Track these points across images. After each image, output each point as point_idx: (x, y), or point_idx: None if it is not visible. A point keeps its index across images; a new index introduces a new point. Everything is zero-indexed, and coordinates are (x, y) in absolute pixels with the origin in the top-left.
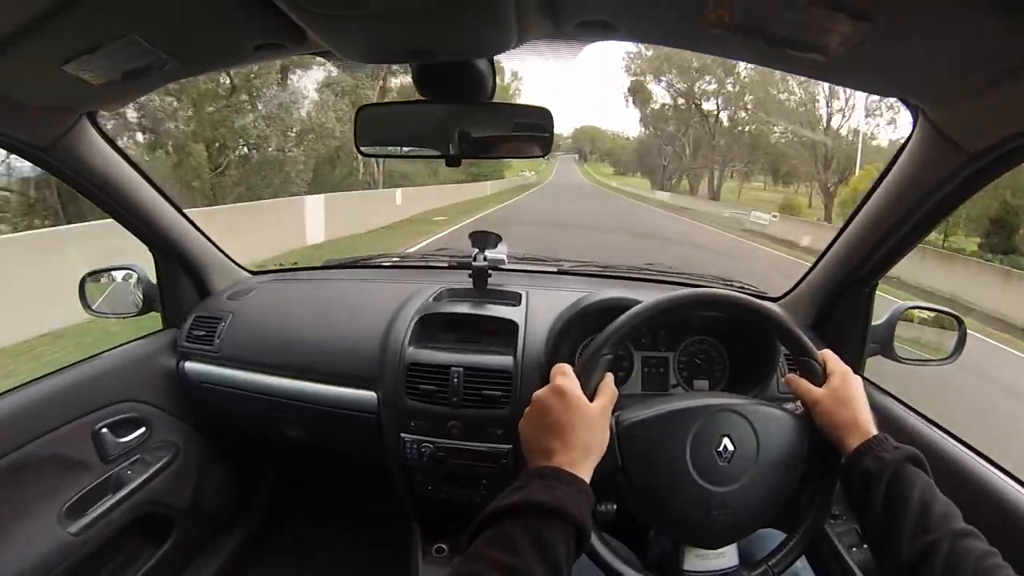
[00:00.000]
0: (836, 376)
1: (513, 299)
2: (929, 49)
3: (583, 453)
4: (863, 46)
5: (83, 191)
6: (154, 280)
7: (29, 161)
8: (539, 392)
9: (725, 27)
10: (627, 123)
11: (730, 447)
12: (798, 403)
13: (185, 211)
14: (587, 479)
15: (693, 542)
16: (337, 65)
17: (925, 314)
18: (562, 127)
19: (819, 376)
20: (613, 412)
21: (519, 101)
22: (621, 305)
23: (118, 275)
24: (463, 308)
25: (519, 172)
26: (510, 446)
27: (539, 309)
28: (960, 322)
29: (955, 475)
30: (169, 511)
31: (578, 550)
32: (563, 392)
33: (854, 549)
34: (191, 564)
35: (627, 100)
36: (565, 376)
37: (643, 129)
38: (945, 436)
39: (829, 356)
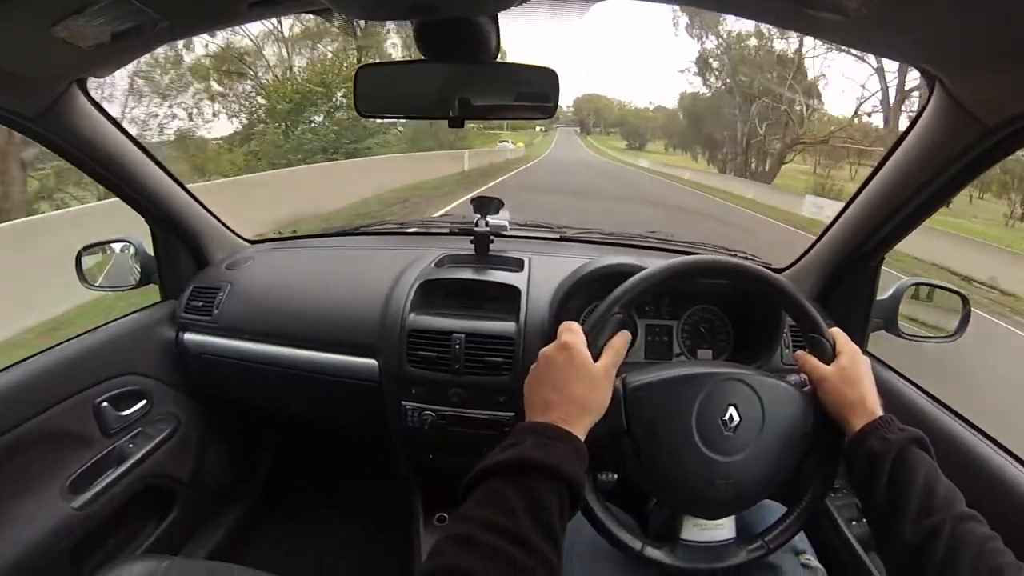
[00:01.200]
0: (845, 355)
1: (515, 265)
2: (950, 14)
3: (580, 410)
4: (881, 7)
5: (76, 162)
6: (151, 252)
7: (19, 132)
8: (546, 348)
9: None
10: (638, 92)
11: (736, 417)
12: (801, 375)
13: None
14: (582, 435)
15: (694, 512)
16: (336, 25)
17: (930, 291)
18: (561, 98)
19: (828, 354)
20: (620, 374)
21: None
22: (626, 271)
23: (115, 248)
24: (465, 274)
25: (498, 142)
26: (512, 414)
27: (542, 275)
28: (965, 300)
29: (958, 454)
30: (171, 484)
31: (572, 510)
32: (568, 348)
33: (853, 523)
34: (194, 536)
35: (691, 70)
36: (572, 333)
37: (699, 95)
38: (949, 415)
39: (839, 334)
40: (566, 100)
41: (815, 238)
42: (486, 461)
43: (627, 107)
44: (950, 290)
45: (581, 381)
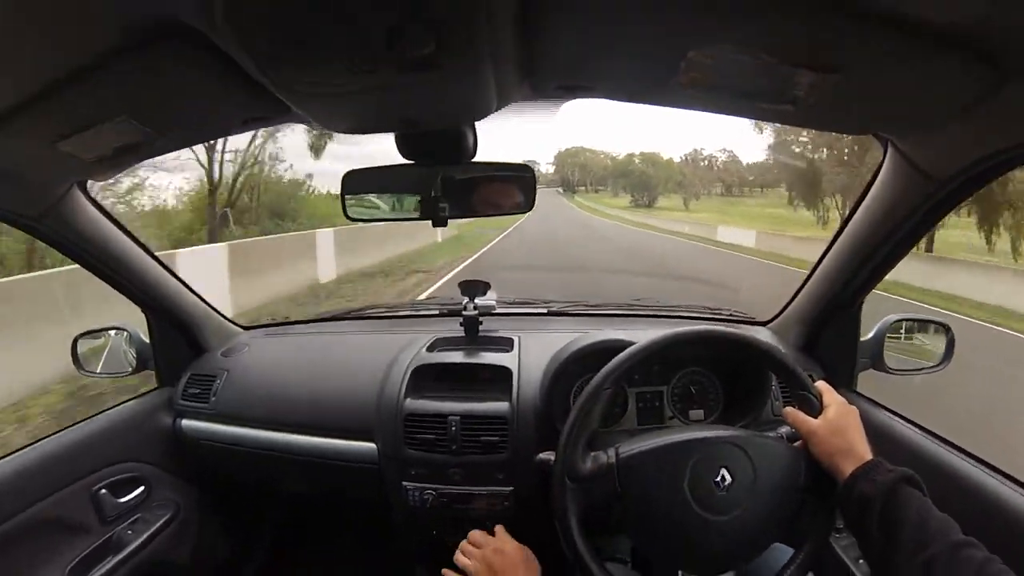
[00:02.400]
0: (832, 408)
1: (505, 345)
2: (894, 88)
3: None
4: (830, 92)
5: (74, 257)
6: (147, 339)
7: (20, 229)
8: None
9: (699, 87)
10: (626, 143)
11: (728, 477)
12: (790, 428)
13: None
14: None
15: (694, 570)
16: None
17: (913, 324)
18: (539, 155)
19: (815, 408)
20: (613, 445)
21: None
22: (612, 347)
23: (110, 335)
24: (456, 357)
25: None
26: (511, 488)
27: (532, 353)
28: (947, 329)
29: (953, 484)
30: (171, 570)
31: None
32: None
33: (861, 561)
34: None
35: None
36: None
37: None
38: (943, 446)
39: (825, 388)
40: (544, 158)
41: (794, 291)
42: None
43: (619, 159)
44: (931, 321)
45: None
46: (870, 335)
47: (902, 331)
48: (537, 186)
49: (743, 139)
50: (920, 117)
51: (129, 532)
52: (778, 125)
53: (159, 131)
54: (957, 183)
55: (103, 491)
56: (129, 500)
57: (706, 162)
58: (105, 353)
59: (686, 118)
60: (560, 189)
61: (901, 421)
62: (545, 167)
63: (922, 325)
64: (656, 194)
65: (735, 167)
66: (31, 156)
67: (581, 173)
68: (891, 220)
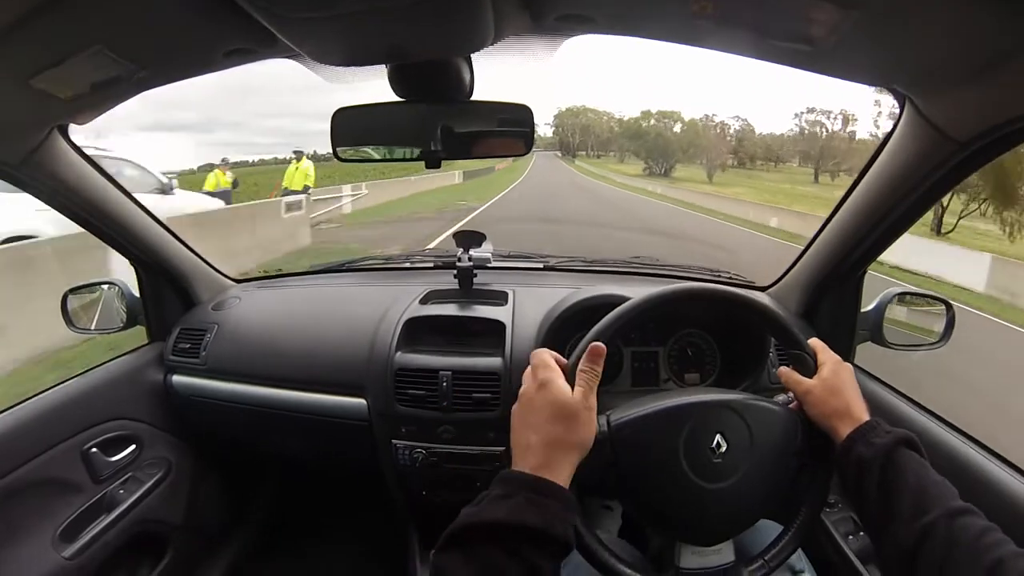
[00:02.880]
0: (827, 366)
1: (500, 298)
2: (917, 36)
3: (564, 451)
4: (850, 34)
5: (59, 207)
6: (137, 293)
7: (1, 179)
8: (524, 387)
9: (708, 18)
10: (626, 104)
11: (724, 444)
12: (789, 394)
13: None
14: (568, 478)
15: (689, 539)
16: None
17: (914, 298)
18: (536, 116)
19: (810, 367)
20: (604, 411)
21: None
22: (609, 302)
23: (101, 290)
24: (449, 310)
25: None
26: (503, 448)
27: (526, 308)
28: (948, 306)
29: (945, 460)
30: (164, 528)
31: (560, 559)
32: (545, 385)
33: (851, 537)
34: None
35: None
36: (547, 368)
37: None
38: (935, 421)
39: (819, 346)
40: (541, 118)
41: (796, 256)
42: (477, 515)
43: (627, 120)
44: (933, 297)
45: (561, 420)
46: (871, 306)
47: (902, 305)
48: (536, 150)
49: (757, 109)
50: (941, 72)
51: (121, 491)
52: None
53: (135, 64)
54: (980, 145)
55: (94, 450)
56: (120, 459)
57: (718, 130)
58: (98, 309)
59: (695, 77)
60: (558, 153)
61: (894, 394)
62: (543, 129)
63: (923, 300)
64: (674, 161)
65: (750, 137)
66: (4, 95)
67: (583, 135)
68: (905, 183)
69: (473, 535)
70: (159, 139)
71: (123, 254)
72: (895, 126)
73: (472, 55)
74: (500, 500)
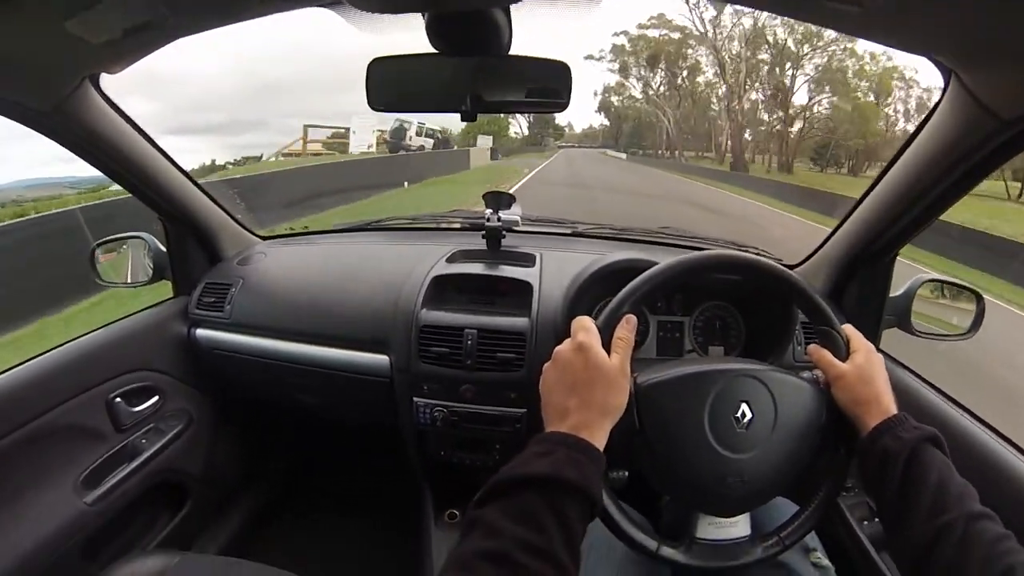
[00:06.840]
0: (860, 353)
1: (527, 260)
2: (970, 5)
3: (600, 414)
4: None
5: (88, 158)
6: (164, 248)
7: (31, 127)
8: (560, 347)
9: None
10: None
11: (748, 413)
12: (816, 372)
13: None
14: (603, 442)
15: (707, 510)
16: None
17: (944, 288)
18: (577, 103)
19: (842, 349)
20: (631, 373)
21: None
22: (638, 267)
23: (129, 244)
24: (477, 269)
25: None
26: (524, 410)
27: (554, 270)
28: (979, 297)
29: (973, 454)
30: (184, 478)
31: (589, 520)
32: (584, 349)
33: (865, 523)
34: (206, 531)
35: None
36: (587, 332)
37: None
38: (965, 414)
39: (852, 332)
40: (581, 106)
41: (827, 234)
42: (518, 469)
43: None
44: (963, 287)
45: (600, 384)
46: (900, 291)
47: (931, 293)
48: (561, 143)
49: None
50: (991, 46)
51: (143, 441)
52: None
53: (168, 6)
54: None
55: (118, 399)
56: (143, 409)
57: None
58: (129, 263)
59: None
60: (604, 150)
61: (924, 385)
62: (585, 117)
63: (952, 289)
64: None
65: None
66: (39, 38)
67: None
68: (945, 159)
69: (512, 487)
70: (185, 142)
71: (151, 207)
72: (938, 103)
73: (511, 6)
74: (540, 456)
